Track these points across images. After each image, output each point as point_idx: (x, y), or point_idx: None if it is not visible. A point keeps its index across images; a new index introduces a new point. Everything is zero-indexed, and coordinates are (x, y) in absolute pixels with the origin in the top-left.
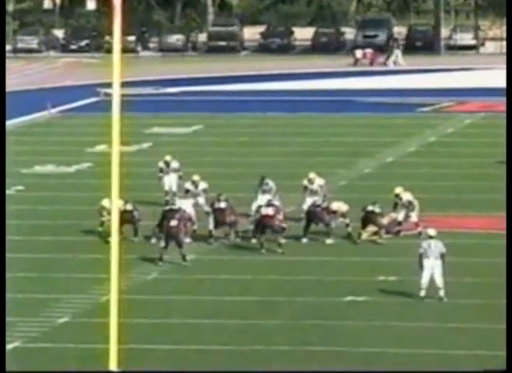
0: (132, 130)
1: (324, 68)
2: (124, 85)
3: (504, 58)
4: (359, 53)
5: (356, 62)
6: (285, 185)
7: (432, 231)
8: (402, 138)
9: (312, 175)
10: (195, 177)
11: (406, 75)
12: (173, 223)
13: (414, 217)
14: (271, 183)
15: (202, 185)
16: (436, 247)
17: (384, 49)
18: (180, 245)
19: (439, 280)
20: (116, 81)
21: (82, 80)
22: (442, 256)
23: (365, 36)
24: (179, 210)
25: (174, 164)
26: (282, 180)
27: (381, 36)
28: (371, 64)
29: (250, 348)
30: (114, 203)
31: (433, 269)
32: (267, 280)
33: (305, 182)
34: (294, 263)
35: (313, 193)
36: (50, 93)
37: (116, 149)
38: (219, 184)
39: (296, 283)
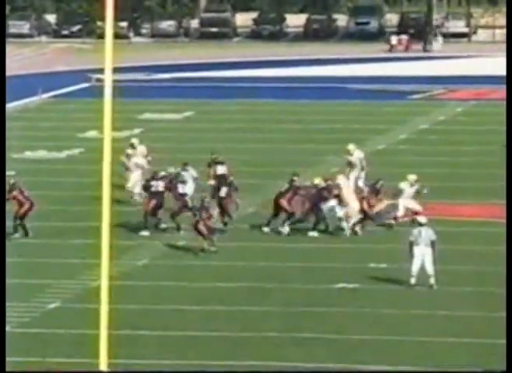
0: (124, 115)
1: (316, 55)
2: (115, 70)
3: (496, 46)
4: (394, 39)
5: (392, 48)
6: (275, 171)
7: (422, 219)
8: (394, 125)
9: (351, 146)
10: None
11: (398, 63)
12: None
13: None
14: None
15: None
16: (426, 235)
17: (419, 35)
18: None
19: (429, 268)
20: (108, 67)
21: (73, 65)
22: (432, 243)
23: (357, 23)
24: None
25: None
26: (272, 167)
27: (373, 23)
28: (406, 50)
29: (239, 335)
30: (105, 189)
31: (423, 256)
32: (257, 267)
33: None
34: (284, 250)
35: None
36: (41, 78)
37: (107, 135)
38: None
39: (286, 269)
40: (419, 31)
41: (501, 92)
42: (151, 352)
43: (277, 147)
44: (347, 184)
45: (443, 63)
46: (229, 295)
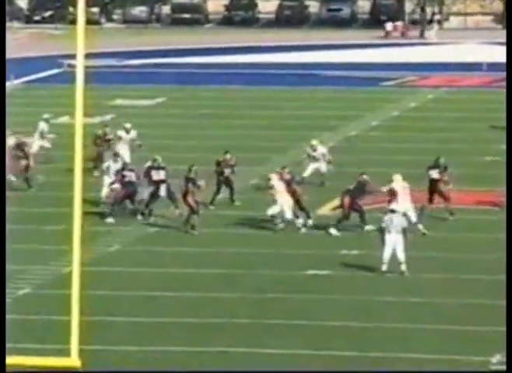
0: (95, 101)
1: (288, 42)
2: (87, 56)
3: (468, 33)
4: (389, 25)
5: (387, 35)
6: (247, 158)
7: (394, 206)
8: (365, 112)
9: (315, 142)
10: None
11: (369, 50)
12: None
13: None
14: None
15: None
16: (398, 222)
17: (416, 22)
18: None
19: (400, 255)
20: (80, 53)
21: (45, 51)
22: (404, 230)
23: (329, 10)
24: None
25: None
26: (244, 153)
27: (345, 10)
28: (402, 36)
29: (210, 321)
30: (77, 175)
31: (394, 243)
32: (228, 253)
33: (308, 149)
34: (256, 237)
35: (316, 159)
36: (13, 64)
37: (79, 121)
38: (181, 157)
39: (257, 256)
40: (390, 18)
41: (472, 79)
42: (123, 338)
43: (248, 133)
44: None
45: (415, 50)
46: (200, 281)
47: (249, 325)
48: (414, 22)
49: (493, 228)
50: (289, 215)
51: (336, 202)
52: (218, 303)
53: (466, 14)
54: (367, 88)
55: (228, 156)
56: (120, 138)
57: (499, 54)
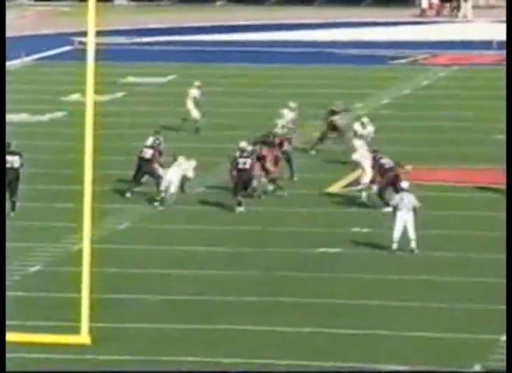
0: (106, 79)
1: (299, 19)
2: (98, 34)
3: (479, 12)
4: (425, 3)
5: (423, 13)
6: (255, 136)
7: (405, 184)
8: (376, 90)
9: (365, 119)
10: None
11: (380, 27)
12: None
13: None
14: None
15: None
16: (408, 200)
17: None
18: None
19: (411, 233)
20: (90, 30)
21: (56, 28)
22: (414, 209)
23: None
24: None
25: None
26: (253, 131)
27: None
28: (437, 14)
29: (221, 299)
30: (88, 152)
31: (405, 222)
32: (238, 231)
33: (356, 125)
34: (266, 214)
35: (362, 137)
36: (23, 41)
37: (90, 98)
38: (191, 135)
39: (267, 234)
40: None
41: (483, 57)
42: (132, 316)
43: (258, 111)
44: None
45: (426, 28)
46: (211, 259)
47: (258, 303)
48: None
49: (501, 206)
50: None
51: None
52: (228, 281)
53: None
54: (378, 66)
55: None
56: None
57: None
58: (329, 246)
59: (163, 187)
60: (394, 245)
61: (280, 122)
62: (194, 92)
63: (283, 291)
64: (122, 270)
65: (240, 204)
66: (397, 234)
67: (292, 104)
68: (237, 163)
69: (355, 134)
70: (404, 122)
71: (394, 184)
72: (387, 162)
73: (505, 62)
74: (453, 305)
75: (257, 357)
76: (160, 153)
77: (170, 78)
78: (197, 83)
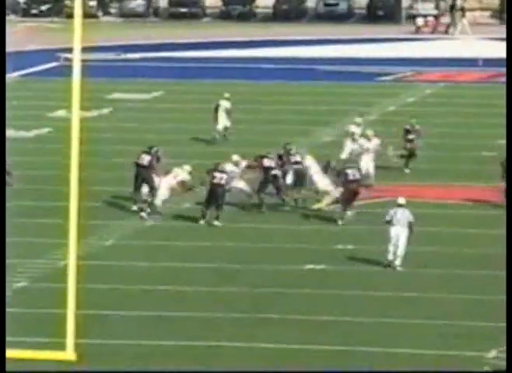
0: (93, 95)
1: (285, 36)
2: (84, 50)
3: (465, 28)
4: (420, 21)
5: (418, 30)
6: (243, 152)
7: (401, 200)
8: (362, 107)
9: (370, 132)
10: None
11: (367, 44)
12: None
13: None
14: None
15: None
16: (403, 216)
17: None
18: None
19: (400, 249)
20: (77, 46)
21: (42, 44)
22: (409, 224)
23: (326, 5)
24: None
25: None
26: (241, 148)
27: (342, 5)
28: (433, 32)
29: (208, 315)
30: (73, 169)
31: (397, 237)
32: (225, 248)
33: (362, 141)
34: (252, 231)
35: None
36: (10, 57)
37: (76, 114)
38: (179, 151)
39: (254, 250)
40: (387, 13)
41: (469, 74)
42: (119, 332)
43: (245, 127)
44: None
45: (412, 45)
46: (197, 276)
47: (245, 319)
48: (414, 17)
49: (490, 223)
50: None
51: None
52: (214, 297)
53: (464, 9)
54: (364, 82)
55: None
56: None
57: (497, 50)
58: (316, 263)
59: (157, 201)
60: (398, 261)
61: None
62: (224, 104)
63: (271, 308)
64: (108, 286)
65: (204, 217)
66: (391, 248)
67: None
68: (214, 177)
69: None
70: (390, 139)
71: (351, 197)
72: (352, 173)
73: (492, 79)
74: (439, 322)
75: None
76: (158, 159)
77: (155, 94)
78: (226, 95)
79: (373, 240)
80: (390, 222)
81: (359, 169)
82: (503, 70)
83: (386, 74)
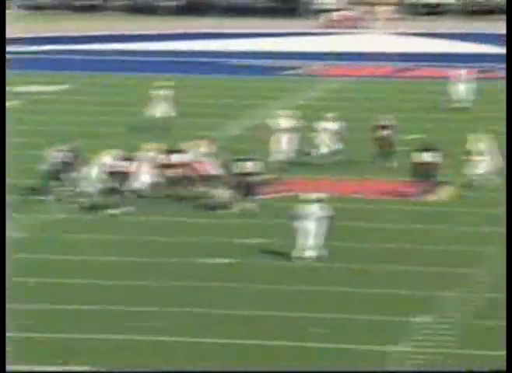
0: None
1: (188, 29)
2: None
3: (368, 23)
4: (335, 15)
5: (330, 24)
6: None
7: (314, 193)
8: (269, 101)
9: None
10: None
11: (271, 38)
12: None
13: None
14: None
15: None
16: (314, 209)
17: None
18: None
19: (317, 241)
20: None
21: None
22: (320, 218)
23: None
24: None
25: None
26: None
27: None
28: (345, 25)
29: (116, 308)
30: None
31: (307, 230)
32: (131, 241)
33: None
34: (161, 225)
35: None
36: None
37: None
38: (87, 143)
39: (162, 244)
40: (293, 7)
41: (378, 68)
42: (34, 324)
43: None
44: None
45: (318, 39)
46: (104, 269)
47: (152, 312)
48: (312, 12)
49: (395, 217)
50: None
51: None
52: (122, 290)
53: (366, 4)
54: (269, 77)
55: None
56: None
57: (403, 45)
58: (226, 257)
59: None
60: (301, 253)
61: None
62: (162, 93)
63: (179, 301)
64: (23, 279)
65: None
66: (302, 242)
67: None
68: (120, 166)
69: None
70: (295, 132)
71: (247, 188)
72: (246, 165)
73: (398, 74)
74: (352, 316)
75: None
76: (76, 157)
77: (62, 87)
78: (162, 84)
79: (281, 234)
80: (303, 216)
81: (256, 162)
82: (410, 64)
83: (293, 68)
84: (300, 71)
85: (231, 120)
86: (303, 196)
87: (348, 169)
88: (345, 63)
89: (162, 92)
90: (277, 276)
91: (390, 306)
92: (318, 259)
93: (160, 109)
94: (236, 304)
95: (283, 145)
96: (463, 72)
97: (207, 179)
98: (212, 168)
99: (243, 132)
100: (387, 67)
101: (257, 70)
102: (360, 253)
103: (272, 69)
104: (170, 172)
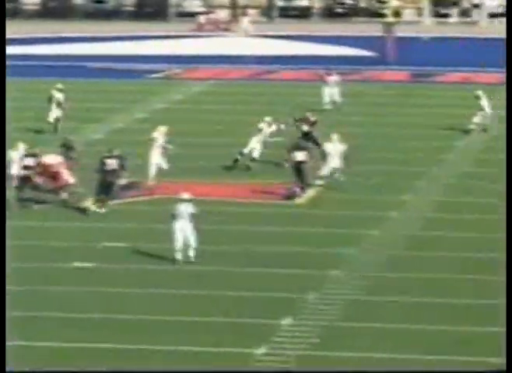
0: None
1: (53, 33)
2: None
3: (237, 25)
4: (202, 18)
5: (200, 27)
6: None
7: (184, 195)
8: (131, 104)
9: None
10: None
11: (136, 42)
12: None
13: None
14: None
15: None
16: (186, 210)
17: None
18: None
19: (191, 241)
20: None
21: None
22: (192, 217)
23: (94, 2)
24: None
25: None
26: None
27: (111, 2)
28: (215, 29)
29: None
30: None
31: (184, 231)
32: None
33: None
34: (21, 229)
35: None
36: None
37: None
38: None
39: (22, 248)
40: (156, 11)
41: (240, 71)
42: None
43: (14, 126)
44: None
45: (181, 42)
46: None
47: (15, 318)
48: (180, 15)
49: (264, 219)
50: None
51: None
52: None
53: (234, 7)
54: (133, 80)
55: None
56: None
57: (267, 47)
58: (84, 261)
59: None
60: (178, 256)
61: None
62: (57, 95)
63: (40, 306)
64: None
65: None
66: (178, 244)
67: None
68: (104, 164)
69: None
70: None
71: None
72: (110, 162)
73: (262, 76)
74: (213, 319)
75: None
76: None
77: None
78: (59, 86)
79: (146, 238)
80: (174, 217)
81: (120, 158)
82: (273, 67)
83: (156, 72)
84: (164, 75)
85: (93, 123)
86: (174, 197)
87: (216, 173)
88: (209, 66)
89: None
90: (138, 279)
91: (254, 308)
92: (186, 260)
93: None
94: (98, 308)
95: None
96: (329, 75)
97: (62, 184)
98: (66, 173)
99: (106, 136)
100: (253, 69)
101: (120, 73)
102: (226, 256)
103: (136, 72)
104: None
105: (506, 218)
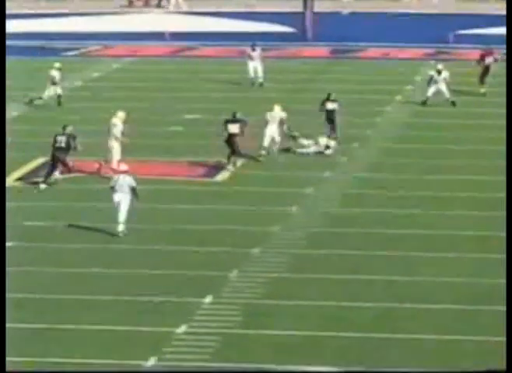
0: None
1: None
2: None
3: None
4: None
5: (131, 4)
6: None
7: (123, 166)
8: (48, 82)
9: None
10: None
11: (53, 19)
12: None
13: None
14: None
15: None
16: (124, 181)
17: None
18: None
19: (122, 216)
20: None
21: None
22: (132, 189)
23: None
24: None
25: None
26: None
27: None
28: (145, 4)
29: None
30: None
31: (119, 203)
32: None
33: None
34: None
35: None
36: None
37: None
38: None
39: None
40: None
41: (156, 48)
42: None
43: None
44: None
45: (98, 19)
46: None
47: None
48: None
49: (187, 197)
50: None
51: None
52: None
53: None
54: (49, 57)
55: None
56: None
57: (184, 24)
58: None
59: None
60: (120, 228)
61: None
62: (53, 73)
63: None
64: None
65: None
66: (120, 216)
67: None
68: (55, 141)
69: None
70: (75, 115)
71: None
72: (60, 139)
73: (178, 53)
74: (133, 298)
75: None
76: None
77: None
78: (57, 65)
79: (65, 217)
80: (113, 188)
81: (68, 136)
82: (189, 43)
83: (72, 49)
84: (79, 52)
85: (13, 102)
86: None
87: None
88: (125, 43)
89: None
90: (56, 258)
91: (175, 287)
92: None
93: None
94: (20, 287)
95: None
96: (252, 50)
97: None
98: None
99: (25, 113)
100: (172, 46)
101: (36, 51)
102: (148, 234)
103: (50, 50)
104: None
105: (506, 218)
